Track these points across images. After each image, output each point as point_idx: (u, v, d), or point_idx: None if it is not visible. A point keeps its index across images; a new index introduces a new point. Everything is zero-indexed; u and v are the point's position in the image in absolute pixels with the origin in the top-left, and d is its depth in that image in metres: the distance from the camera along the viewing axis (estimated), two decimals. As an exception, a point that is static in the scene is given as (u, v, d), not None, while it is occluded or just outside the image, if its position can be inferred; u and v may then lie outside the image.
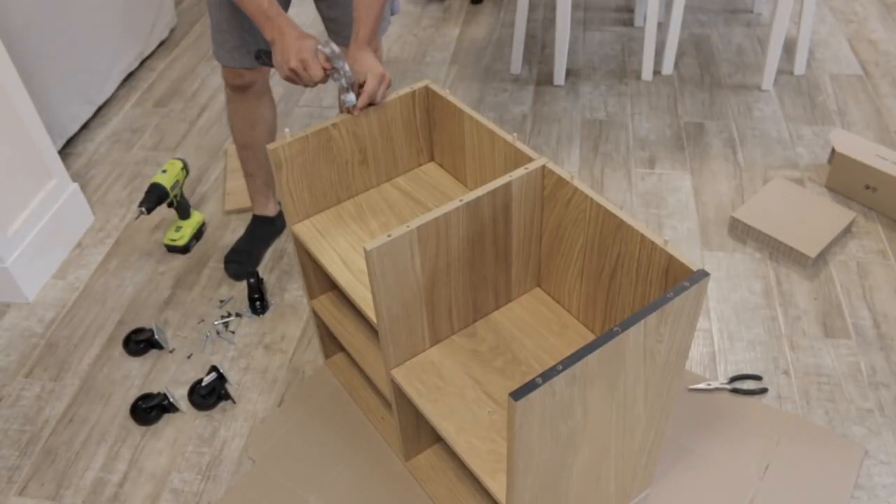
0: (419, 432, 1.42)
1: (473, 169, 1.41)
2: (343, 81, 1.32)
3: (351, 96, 1.33)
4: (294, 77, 1.34)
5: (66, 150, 2.40)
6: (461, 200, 1.12)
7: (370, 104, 1.35)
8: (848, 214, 1.94)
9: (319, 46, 1.31)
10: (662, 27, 2.78)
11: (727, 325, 1.74)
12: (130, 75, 2.76)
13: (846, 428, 1.52)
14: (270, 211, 2.00)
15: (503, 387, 1.20)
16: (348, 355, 1.69)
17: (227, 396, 1.64)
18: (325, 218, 1.43)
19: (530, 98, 2.54)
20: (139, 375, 1.71)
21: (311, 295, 1.53)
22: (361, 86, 1.34)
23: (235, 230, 2.07)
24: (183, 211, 2.01)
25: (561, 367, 0.90)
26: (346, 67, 1.32)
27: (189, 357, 1.74)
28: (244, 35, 1.61)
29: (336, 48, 1.32)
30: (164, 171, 1.95)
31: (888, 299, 1.78)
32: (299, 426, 1.58)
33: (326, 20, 1.75)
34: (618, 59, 2.71)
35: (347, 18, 1.67)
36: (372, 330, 1.46)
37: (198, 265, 1.98)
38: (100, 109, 2.58)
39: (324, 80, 1.33)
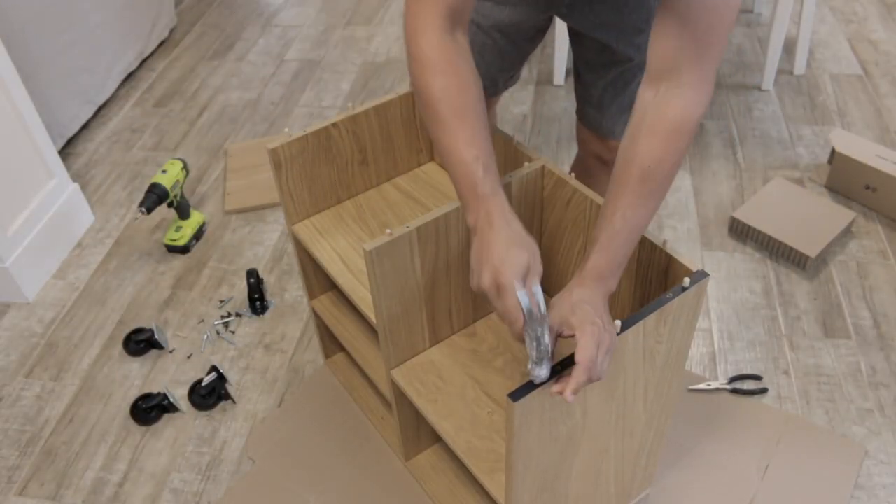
0: (419, 432, 1.43)
1: (473, 169, 1.40)
2: (534, 353, 0.87)
3: (543, 370, 0.87)
4: (483, 297, 0.92)
5: (66, 150, 2.41)
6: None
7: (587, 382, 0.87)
8: (848, 214, 1.94)
9: (517, 289, 0.87)
10: (662, 27, 2.78)
11: (727, 325, 1.74)
12: (130, 75, 2.76)
13: (846, 428, 1.52)
14: None
15: (503, 387, 1.20)
16: (348, 355, 1.69)
17: (227, 396, 1.64)
18: (325, 218, 1.43)
19: (530, 98, 2.54)
20: (139, 375, 1.71)
21: (311, 295, 1.53)
22: (561, 336, 0.91)
23: (235, 230, 2.07)
24: (183, 211, 2.01)
25: (560, 368, 0.90)
26: (546, 339, 0.87)
27: (189, 357, 1.75)
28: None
29: (541, 302, 0.88)
30: (164, 171, 1.95)
31: (888, 299, 1.78)
32: (299, 426, 1.58)
33: (587, 45, 1.26)
34: (618, 59, 2.71)
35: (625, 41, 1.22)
36: (372, 330, 1.46)
37: (198, 265, 1.98)
38: (100, 109, 2.58)
39: (522, 329, 0.88)
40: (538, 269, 0.90)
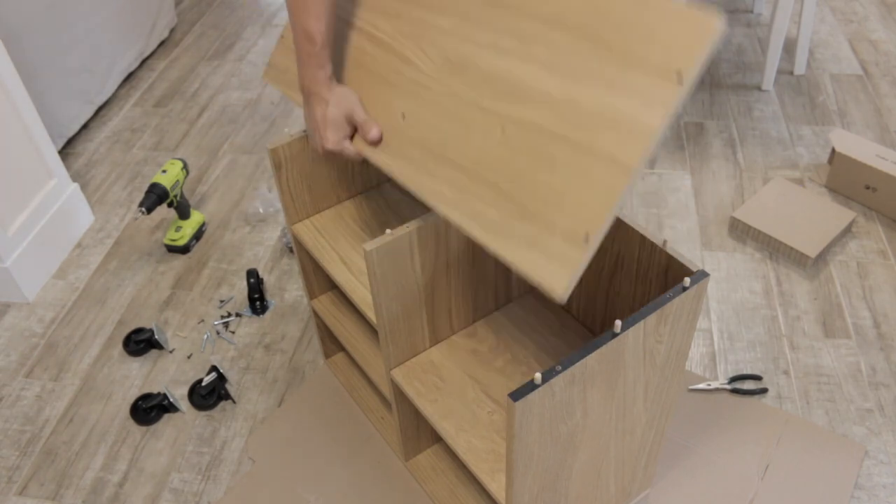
0: (419, 432, 1.43)
1: (473, 169, 1.41)
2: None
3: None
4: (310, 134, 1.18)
5: (66, 150, 2.41)
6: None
7: None
8: (848, 214, 1.94)
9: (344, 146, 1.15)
10: (662, 27, 2.78)
11: (727, 325, 1.74)
12: (130, 75, 2.76)
13: (846, 428, 1.52)
14: None
15: (503, 387, 1.20)
16: (348, 355, 1.69)
17: (227, 396, 1.64)
18: (325, 218, 1.43)
19: (530, 98, 2.53)
20: (139, 375, 1.71)
21: (311, 295, 1.53)
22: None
23: (235, 230, 2.08)
24: (183, 211, 2.01)
25: (560, 368, 0.90)
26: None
27: (189, 357, 1.75)
28: None
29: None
30: (164, 171, 1.95)
31: (888, 299, 1.78)
32: (299, 426, 1.58)
33: None
34: (618, 59, 2.71)
35: None
36: (372, 330, 1.46)
37: (198, 265, 1.98)
38: (100, 109, 2.59)
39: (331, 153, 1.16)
40: (359, 112, 1.13)
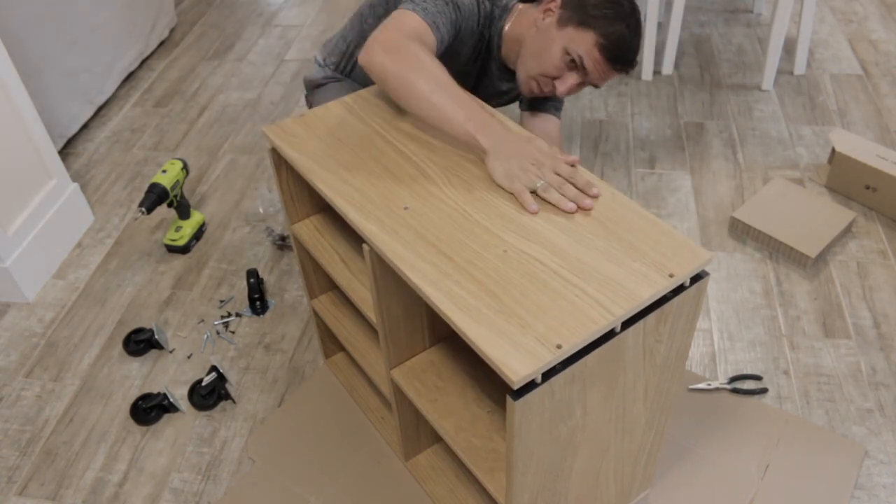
0: (419, 432, 1.43)
1: (473, 169, 1.41)
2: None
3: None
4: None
5: (66, 150, 2.41)
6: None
7: None
8: (848, 214, 1.94)
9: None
10: (662, 27, 2.78)
11: (727, 325, 1.74)
12: (130, 75, 2.76)
13: (846, 428, 1.52)
14: None
15: (503, 386, 1.20)
16: (348, 355, 1.69)
17: (227, 396, 1.64)
18: (325, 217, 1.43)
19: (530, 98, 2.54)
20: (139, 375, 1.71)
21: (311, 295, 1.53)
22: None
23: (235, 230, 2.07)
24: (183, 211, 2.01)
25: (560, 367, 0.90)
26: None
27: (189, 357, 1.75)
28: None
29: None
30: (164, 171, 1.96)
31: (888, 299, 1.78)
32: (299, 426, 1.58)
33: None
34: (618, 59, 2.71)
35: None
36: (372, 330, 1.46)
37: (198, 265, 1.98)
38: (100, 109, 2.59)
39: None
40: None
